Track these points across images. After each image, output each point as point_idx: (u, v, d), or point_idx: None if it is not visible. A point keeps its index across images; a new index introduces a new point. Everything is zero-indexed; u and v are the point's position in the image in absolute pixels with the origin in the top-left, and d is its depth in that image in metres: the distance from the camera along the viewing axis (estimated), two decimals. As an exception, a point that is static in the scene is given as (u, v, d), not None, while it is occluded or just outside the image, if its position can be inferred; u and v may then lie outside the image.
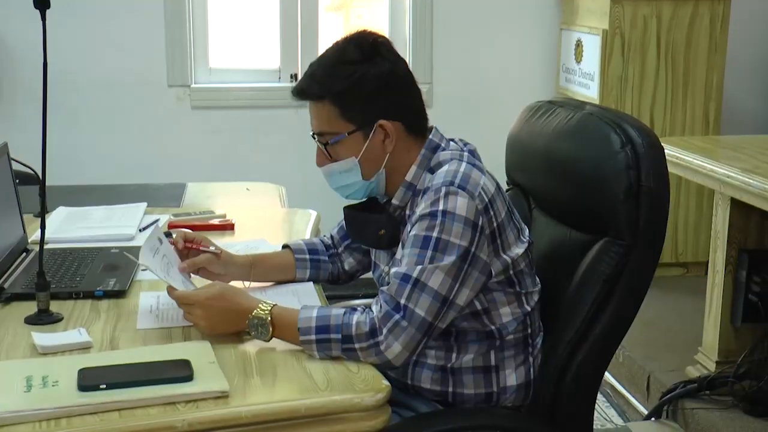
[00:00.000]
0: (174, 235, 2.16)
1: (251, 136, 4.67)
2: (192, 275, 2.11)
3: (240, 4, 4.86)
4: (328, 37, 4.74)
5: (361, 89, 1.94)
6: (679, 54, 4.31)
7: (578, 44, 4.46)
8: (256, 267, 2.19)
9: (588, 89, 4.36)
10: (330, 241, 2.30)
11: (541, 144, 2.17)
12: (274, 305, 1.85)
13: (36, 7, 1.86)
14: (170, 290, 1.92)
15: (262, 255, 2.27)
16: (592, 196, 1.98)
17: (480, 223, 1.86)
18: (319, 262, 2.26)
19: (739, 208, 3.15)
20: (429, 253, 1.84)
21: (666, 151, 3.09)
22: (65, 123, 4.46)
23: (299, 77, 4.72)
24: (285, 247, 2.29)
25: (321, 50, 4.97)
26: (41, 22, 1.87)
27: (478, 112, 4.67)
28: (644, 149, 1.92)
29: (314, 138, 2.03)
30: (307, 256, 2.25)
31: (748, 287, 3.20)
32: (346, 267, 2.29)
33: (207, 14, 4.65)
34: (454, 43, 4.71)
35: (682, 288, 4.33)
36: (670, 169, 3.15)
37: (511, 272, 1.95)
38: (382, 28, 4.61)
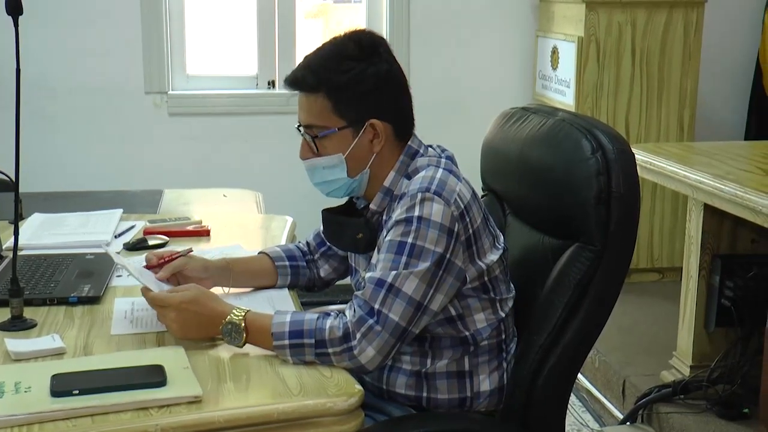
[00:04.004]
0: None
1: (229, 142, 4.67)
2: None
3: (217, 11, 4.87)
4: (306, 44, 4.76)
5: (357, 86, 1.94)
6: (654, 60, 4.34)
7: (554, 51, 4.49)
8: (234, 271, 2.19)
9: (564, 96, 4.39)
10: (306, 248, 2.31)
11: (515, 150, 2.18)
12: (247, 311, 1.85)
13: (8, 13, 1.86)
14: (145, 291, 1.92)
15: (238, 258, 2.26)
16: (564, 202, 1.99)
17: (456, 229, 1.87)
18: (298, 269, 2.27)
19: (712, 213, 3.18)
20: (404, 258, 1.85)
21: (640, 157, 3.16)
22: (42, 129, 4.46)
23: (276, 84, 4.79)
24: (261, 254, 2.30)
25: (298, 57, 4.98)
26: (14, 28, 1.87)
27: (455, 119, 4.69)
28: (614, 155, 1.93)
29: (299, 130, 2.02)
30: (287, 263, 2.26)
31: (721, 292, 3.23)
32: (322, 274, 2.29)
33: (184, 21, 4.65)
34: (431, 49, 4.73)
35: (658, 293, 4.36)
36: (645, 175, 3.22)
37: (486, 279, 1.97)
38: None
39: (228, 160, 4.66)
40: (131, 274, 1.97)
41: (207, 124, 4.65)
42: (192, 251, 2.18)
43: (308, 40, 4.82)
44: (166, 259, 2.12)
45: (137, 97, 4.57)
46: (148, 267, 2.12)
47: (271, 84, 4.72)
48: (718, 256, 3.25)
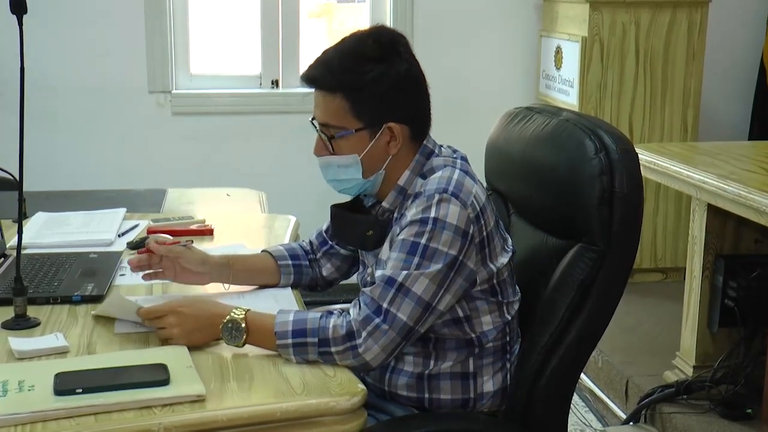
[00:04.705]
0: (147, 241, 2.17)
1: (232, 142, 4.67)
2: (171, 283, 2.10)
3: (221, 10, 4.87)
4: (309, 44, 4.76)
5: (376, 88, 1.91)
6: (658, 60, 4.34)
7: (558, 51, 4.49)
8: (235, 267, 2.18)
9: (567, 96, 4.39)
10: (309, 247, 2.30)
11: (518, 150, 2.18)
12: (248, 310, 1.85)
13: (12, 12, 1.86)
14: (138, 311, 1.91)
15: (240, 256, 2.26)
16: (567, 202, 1.99)
17: (470, 231, 1.87)
18: (301, 267, 2.26)
19: (715, 214, 3.18)
20: (416, 259, 1.84)
21: (644, 157, 3.16)
22: (45, 128, 4.46)
23: (280, 83, 4.79)
24: (264, 252, 2.30)
25: (302, 56, 4.96)
26: (18, 27, 1.87)
27: (459, 119, 4.68)
28: (618, 155, 1.93)
29: (314, 125, 1.99)
30: (290, 262, 2.25)
31: (724, 292, 3.22)
32: (324, 273, 2.29)
33: (188, 20, 4.65)
34: (434, 50, 4.72)
35: (661, 293, 4.36)
36: (648, 175, 3.22)
37: (495, 281, 1.96)
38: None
39: (231, 160, 4.67)
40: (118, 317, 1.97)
41: (210, 123, 4.66)
42: (192, 243, 2.18)
43: (312, 40, 4.82)
44: (166, 244, 2.12)
45: (141, 96, 4.57)
46: (146, 251, 2.11)
47: (275, 83, 4.72)
48: (721, 256, 3.25)
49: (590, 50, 4.27)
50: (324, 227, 2.27)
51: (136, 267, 2.14)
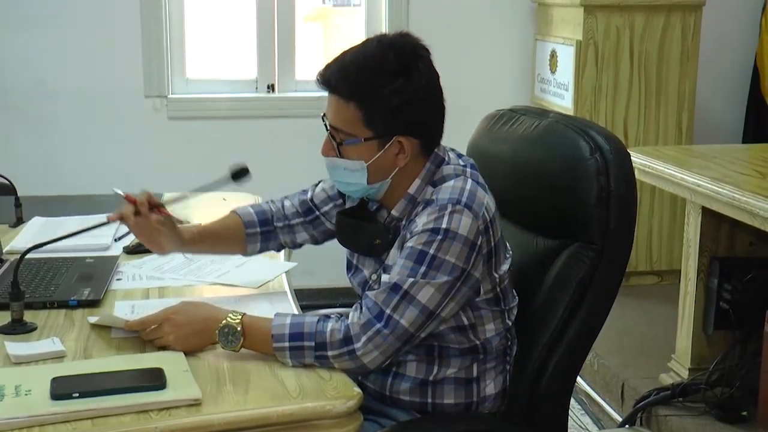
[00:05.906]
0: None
1: (228, 146, 4.67)
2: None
3: (217, 15, 4.88)
4: (305, 48, 4.76)
5: (390, 101, 1.90)
6: (652, 64, 4.35)
7: (553, 55, 4.50)
8: (203, 243, 2.21)
9: (563, 99, 4.40)
10: (281, 211, 2.25)
11: (507, 151, 2.19)
12: (243, 314, 1.86)
13: None
14: (131, 324, 1.91)
15: (210, 229, 2.25)
16: (563, 202, 2.00)
17: (479, 242, 1.87)
18: (270, 234, 2.25)
19: (710, 216, 3.18)
20: (423, 268, 1.84)
21: (638, 160, 3.17)
22: (42, 133, 4.46)
23: (276, 88, 4.78)
24: (233, 213, 2.28)
25: (298, 60, 4.94)
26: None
27: (454, 123, 4.64)
28: (612, 155, 1.96)
29: (324, 123, 1.97)
30: (258, 229, 2.23)
31: (719, 295, 3.23)
32: (298, 240, 2.26)
33: (184, 24, 4.66)
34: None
35: (657, 296, 4.36)
36: (643, 178, 3.23)
37: (498, 289, 1.97)
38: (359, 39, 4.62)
39: (227, 164, 4.65)
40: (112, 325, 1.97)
41: (206, 127, 4.66)
42: (178, 220, 2.16)
43: (308, 44, 4.83)
44: (160, 211, 2.09)
45: (137, 101, 4.57)
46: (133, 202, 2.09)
47: (271, 88, 4.73)
48: (716, 258, 3.25)
49: (585, 54, 4.28)
50: (309, 194, 2.23)
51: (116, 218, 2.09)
